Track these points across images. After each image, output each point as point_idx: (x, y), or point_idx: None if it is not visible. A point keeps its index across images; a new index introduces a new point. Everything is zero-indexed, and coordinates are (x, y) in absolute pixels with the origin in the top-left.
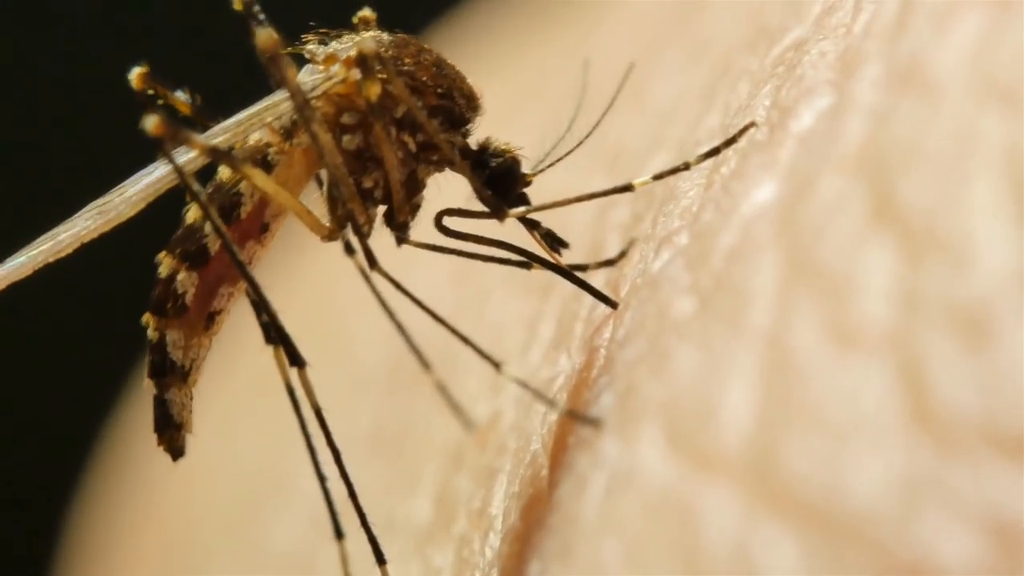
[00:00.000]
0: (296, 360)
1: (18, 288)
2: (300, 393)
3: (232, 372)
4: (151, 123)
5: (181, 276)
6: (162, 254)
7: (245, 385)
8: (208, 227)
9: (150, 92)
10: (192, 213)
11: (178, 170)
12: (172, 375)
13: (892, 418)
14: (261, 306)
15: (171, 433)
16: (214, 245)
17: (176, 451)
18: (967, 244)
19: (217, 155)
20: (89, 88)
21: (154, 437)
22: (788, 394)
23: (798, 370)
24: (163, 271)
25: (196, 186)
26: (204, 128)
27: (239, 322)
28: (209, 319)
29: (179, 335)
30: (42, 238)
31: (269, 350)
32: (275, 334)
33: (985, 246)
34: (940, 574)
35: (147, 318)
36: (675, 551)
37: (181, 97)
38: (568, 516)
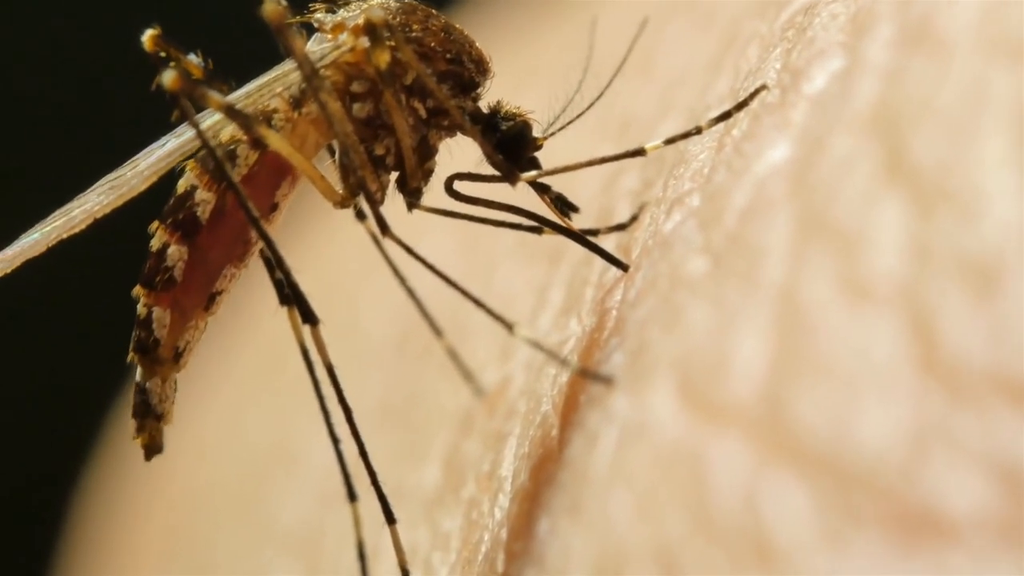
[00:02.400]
0: (309, 318)
1: (31, 264)
2: (314, 354)
3: (242, 353)
4: (168, 78)
5: (171, 249)
6: (154, 225)
7: (255, 365)
8: (199, 195)
9: (162, 55)
10: (183, 182)
11: (194, 125)
12: (157, 354)
13: (902, 368)
14: (275, 263)
15: (151, 424)
16: (204, 214)
17: (153, 448)
18: (976, 197)
19: (232, 113)
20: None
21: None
22: (800, 347)
23: (810, 323)
24: (155, 243)
25: (211, 142)
26: (217, 92)
27: (249, 303)
28: (211, 300)
29: (165, 312)
30: (55, 214)
31: (280, 332)
32: (289, 291)
33: (994, 198)
34: (949, 520)
35: (137, 291)
36: (685, 502)
37: (193, 60)
38: (578, 472)
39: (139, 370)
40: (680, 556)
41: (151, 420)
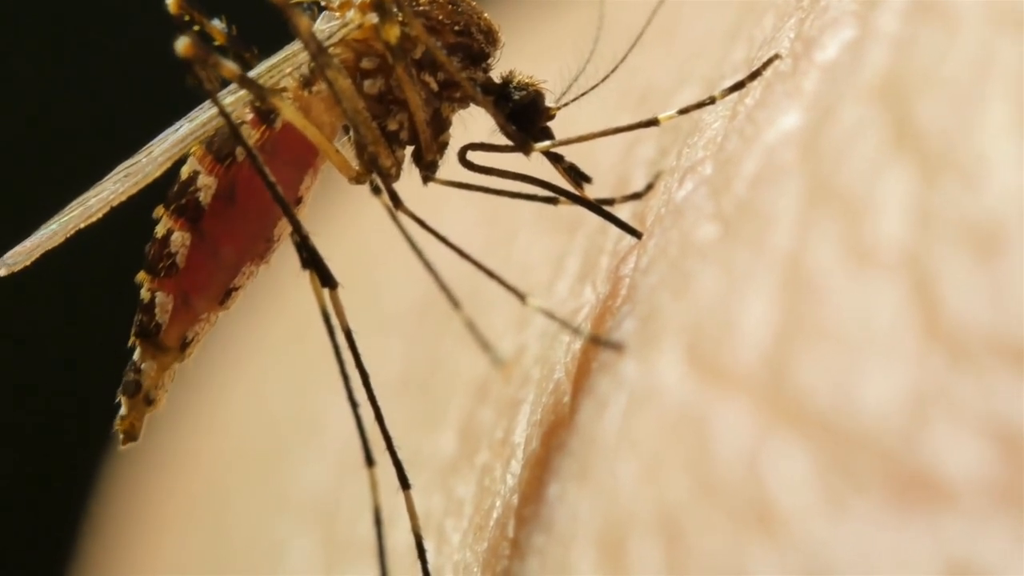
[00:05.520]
0: (328, 281)
1: (63, 246)
2: (333, 319)
3: (273, 324)
4: (181, 44)
5: (175, 235)
6: (158, 210)
7: (284, 336)
8: (201, 180)
9: (186, 18)
10: (186, 168)
11: (210, 92)
12: (159, 339)
13: (904, 332)
14: (293, 227)
15: (139, 405)
16: (207, 198)
17: (130, 436)
18: (980, 164)
19: (246, 83)
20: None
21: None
22: (805, 312)
23: (816, 288)
24: (159, 229)
25: (227, 109)
26: (239, 59)
27: (282, 274)
28: (226, 295)
29: (168, 298)
30: (72, 204)
31: (308, 303)
32: (307, 255)
33: (997, 165)
34: (947, 484)
35: (141, 277)
36: (689, 467)
37: (217, 26)
38: (587, 438)
39: (137, 351)
40: (683, 521)
41: (140, 402)
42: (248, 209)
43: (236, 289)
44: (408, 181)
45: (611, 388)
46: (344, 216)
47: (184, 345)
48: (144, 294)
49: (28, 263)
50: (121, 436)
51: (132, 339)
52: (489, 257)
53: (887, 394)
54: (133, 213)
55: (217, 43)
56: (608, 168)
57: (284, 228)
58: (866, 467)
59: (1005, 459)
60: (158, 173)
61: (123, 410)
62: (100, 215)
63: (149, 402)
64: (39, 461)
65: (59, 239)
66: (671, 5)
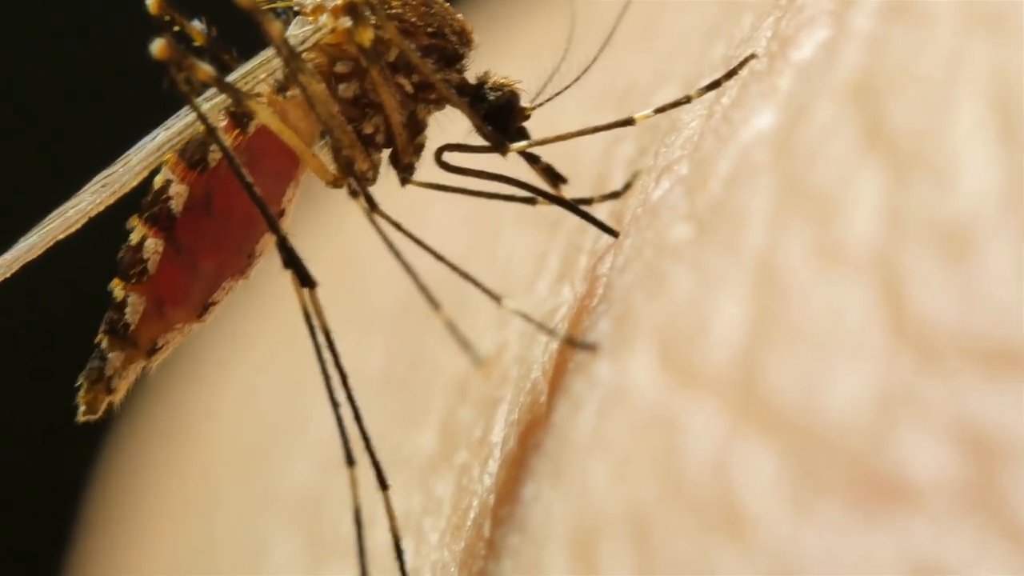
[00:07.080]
0: (306, 281)
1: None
2: (314, 319)
3: (266, 322)
4: (157, 46)
5: (148, 242)
6: (132, 219)
7: (276, 334)
8: (173, 188)
9: (166, 18)
10: (159, 177)
11: (184, 95)
12: (127, 338)
13: (872, 333)
14: (270, 227)
15: (99, 391)
16: (178, 206)
17: (90, 410)
18: (951, 164)
19: (222, 85)
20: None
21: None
22: (775, 312)
23: (786, 289)
24: (133, 238)
25: (202, 108)
26: (217, 60)
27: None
28: (204, 309)
29: (141, 299)
30: (51, 215)
31: (296, 310)
32: (286, 255)
33: (968, 165)
34: (913, 486)
35: (114, 283)
36: (658, 468)
37: (197, 27)
38: (561, 437)
39: (105, 340)
40: (652, 522)
41: (100, 388)
42: (227, 221)
43: (215, 304)
44: (394, 182)
45: (585, 388)
46: (331, 216)
47: (152, 351)
48: (118, 293)
49: (8, 275)
50: (82, 407)
51: (100, 336)
52: (474, 256)
53: (854, 395)
54: (112, 223)
55: (197, 44)
56: (588, 167)
57: (267, 242)
58: (833, 468)
59: (971, 461)
60: (135, 183)
61: (84, 390)
62: (78, 226)
63: (109, 390)
64: (32, 462)
65: (39, 251)
66: (653, 4)
